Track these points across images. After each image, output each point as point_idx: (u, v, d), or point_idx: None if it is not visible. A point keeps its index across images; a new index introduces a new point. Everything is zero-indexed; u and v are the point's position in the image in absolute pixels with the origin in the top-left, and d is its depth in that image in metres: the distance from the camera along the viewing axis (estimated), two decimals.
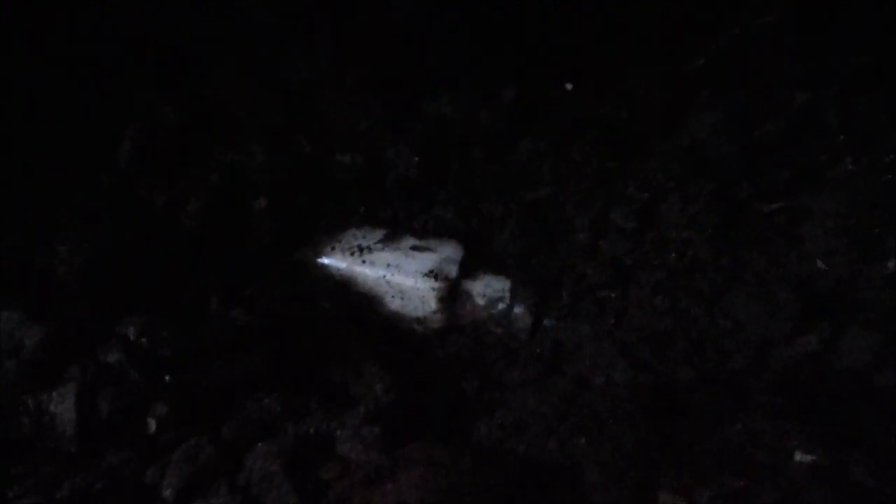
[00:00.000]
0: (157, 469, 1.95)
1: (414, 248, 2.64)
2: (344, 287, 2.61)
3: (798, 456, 1.89)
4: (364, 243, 2.65)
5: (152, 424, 2.01)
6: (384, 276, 2.59)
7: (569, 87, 2.83)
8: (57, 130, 2.37)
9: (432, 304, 2.55)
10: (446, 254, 2.62)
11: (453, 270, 2.59)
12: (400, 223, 2.71)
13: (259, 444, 2.00)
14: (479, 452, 1.91)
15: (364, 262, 2.61)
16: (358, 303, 2.60)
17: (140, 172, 2.44)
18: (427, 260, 2.60)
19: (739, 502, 1.74)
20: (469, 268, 2.62)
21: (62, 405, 1.97)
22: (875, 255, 2.50)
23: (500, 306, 2.57)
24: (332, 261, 2.64)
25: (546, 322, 2.55)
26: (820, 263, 2.51)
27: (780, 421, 1.96)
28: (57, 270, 2.18)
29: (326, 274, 2.63)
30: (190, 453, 1.96)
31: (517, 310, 2.55)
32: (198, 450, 1.97)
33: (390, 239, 2.65)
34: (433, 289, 2.55)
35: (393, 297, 2.58)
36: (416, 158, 2.70)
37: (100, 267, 2.24)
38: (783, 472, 1.85)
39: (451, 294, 2.58)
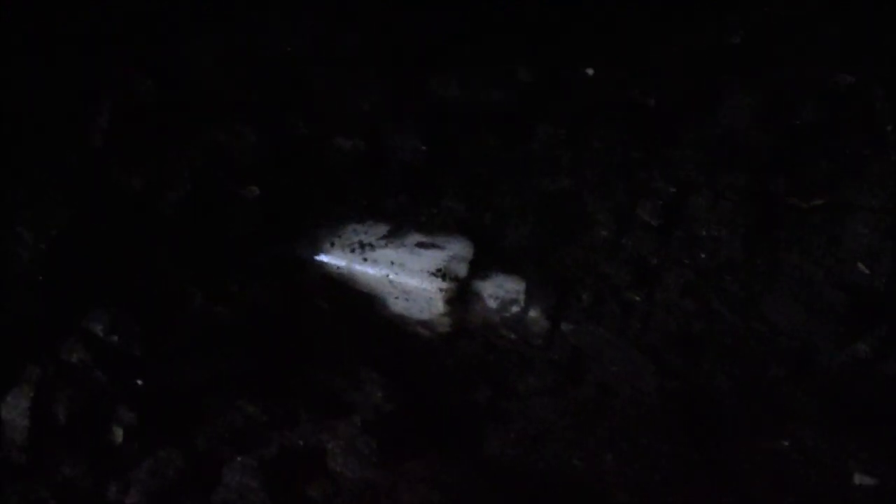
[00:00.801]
0: (120, 484, 1.72)
1: (420, 244, 2.41)
2: (343, 286, 2.39)
3: (858, 478, 1.65)
4: (366, 239, 2.42)
5: (118, 433, 1.78)
6: (387, 276, 2.36)
7: (590, 72, 2.62)
8: (22, 106, 2.15)
9: (439, 307, 2.33)
10: (455, 251, 2.39)
11: (463, 269, 2.36)
12: (405, 216, 2.48)
13: (238, 458, 1.77)
14: (493, 469, 1.67)
15: (365, 259, 2.38)
16: (358, 304, 2.38)
17: (115, 153, 2.22)
18: (434, 258, 2.38)
19: None
20: (480, 266, 2.39)
21: (14, 410, 1.75)
22: None
23: (514, 309, 2.34)
24: (331, 258, 2.42)
25: (564, 326, 2.32)
26: (861, 267, 2.29)
27: (835, 437, 1.72)
28: (19, 257, 1.96)
29: (324, 272, 2.41)
30: (158, 466, 1.74)
31: (532, 313, 2.32)
32: (167, 462, 1.75)
33: (394, 234, 2.43)
34: (441, 289, 2.32)
35: (396, 298, 2.36)
36: (423, 145, 2.48)
37: (68, 255, 2.02)
38: (841, 494, 1.61)
39: (461, 295, 2.35)
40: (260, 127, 2.43)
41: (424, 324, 2.37)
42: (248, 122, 2.43)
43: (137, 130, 2.29)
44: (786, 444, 1.79)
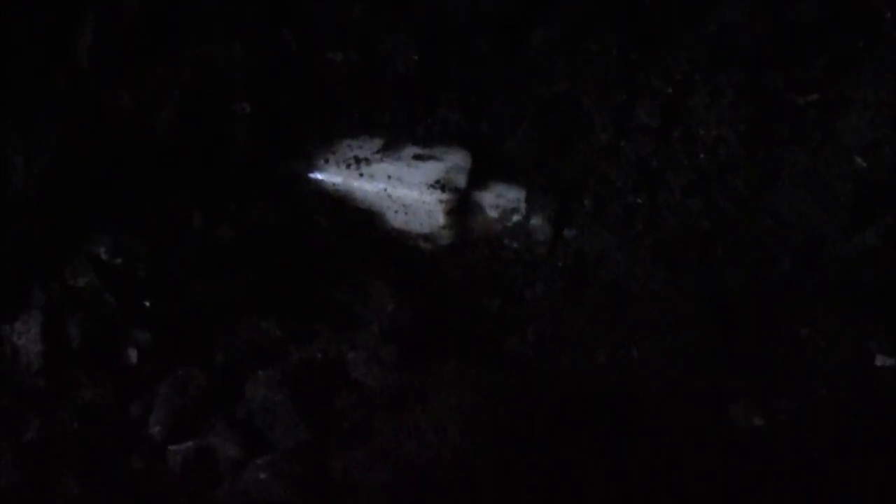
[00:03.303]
0: (142, 404, 1.68)
1: (417, 156, 2.36)
2: (340, 203, 2.35)
3: (880, 359, 1.66)
4: (361, 154, 2.36)
5: (133, 354, 1.74)
6: (385, 190, 2.31)
7: None
8: (3, 26, 2.06)
9: (440, 219, 2.29)
10: (453, 162, 2.35)
11: (462, 180, 2.32)
12: (400, 129, 2.42)
13: (260, 372, 1.74)
14: (516, 370, 1.65)
15: (362, 174, 2.33)
16: (357, 220, 2.34)
17: (103, 73, 2.13)
18: (432, 169, 2.33)
19: (823, 410, 1.51)
20: (479, 176, 2.34)
21: (26, 335, 1.70)
22: None
23: (515, 218, 2.32)
24: (326, 175, 2.36)
25: (567, 232, 2.30)
26: (858, 159, 2.28)
27: (853, 322, 1.72)
28: (13, 182, 1.89)
29: (320, 189, 2.35)
30: (179, 384, 1.70)
31: (534, 220, 2.30)
32: (188, 380, 1.71)
33: (390, 147, 2.37)
34: (440, 201, 2.28)
35: (396, 212, 2.32)
36: (416, 55, 2.40)
37: (63, 179, 1.95)
38: (864, 376, 1.62)
39: (461, 206, 2.31)
40: (249, 41, 2.34)
41: (426, 237, 2.34)
42: (236, 36, 2.35)
43: (123, 48, 2.20)
44: (805, 331, 1.79)
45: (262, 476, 1.56)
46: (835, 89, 2.40)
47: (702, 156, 2.34)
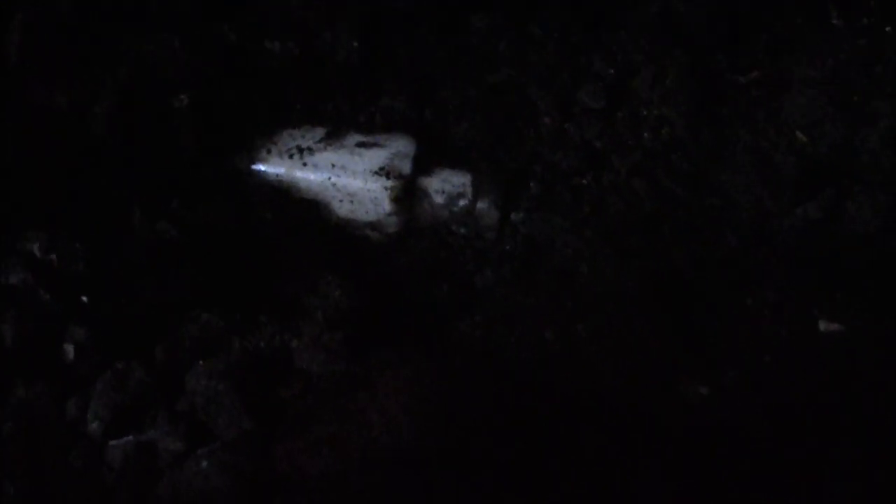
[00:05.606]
0: (80, 401, 1.64)
1: (360, 144, 2.33)
2: (284, 194, 2.31)
3: (823, 325, 1.67)
4: (303, 143, 2.33)
5: (69, 350, 1.69)
6: (329, 179, 2.28)
7: None
8: None
9: (386, 206, 2.27)
10: (397, 148, 2.32)
11: (406, 166, 2.29)
12: (343, 118, 2.39)
13: (201, 363, 1.70)
14: (463, 351, 1.63)
15: (305, 164, 2.30)
16: (302, 211, 2.30)
17: (34, 70, 2.08)
18: (376, 157, 2.30)
19: (770, 380, 1.51)
20: (424, 162, 2.32)
21: None
22: (863, 120, 2.27)
23: (462, 203, 2.29)
24: (269, 166, 2.32)
25: (514, 216, 2.28)
26: (800, 135, 2.30)
27: (796, 292, 1.73)
28: None
29: (263, 181, 2.31)
30: (118, 379, 1.65)
31: (481, 205, 2.27)
32: (127, 375, 1.67)
33: (333, 136, 2.34)
34: (386, 188, 2.25)
35: (341, 201, 2.29)
36: (357, 43, 2.38)
37: None
38: (811, 342, 1.63)
39: (407, 193, 2.28)
40: (186, 35, 2.30)
41: (373, 225, 2.31)
42: (173, 30, 2.31)
43: (55, 45, 2.16)
44: (749, 303, 1.79)
45: (205, 467, 1.52)
46: (776, 68, 2.42)
47: (646, 136, 2.35)
